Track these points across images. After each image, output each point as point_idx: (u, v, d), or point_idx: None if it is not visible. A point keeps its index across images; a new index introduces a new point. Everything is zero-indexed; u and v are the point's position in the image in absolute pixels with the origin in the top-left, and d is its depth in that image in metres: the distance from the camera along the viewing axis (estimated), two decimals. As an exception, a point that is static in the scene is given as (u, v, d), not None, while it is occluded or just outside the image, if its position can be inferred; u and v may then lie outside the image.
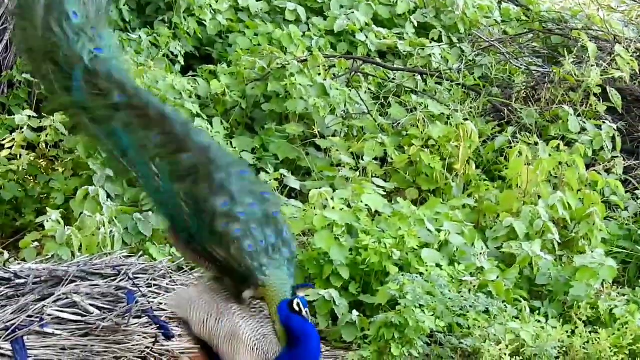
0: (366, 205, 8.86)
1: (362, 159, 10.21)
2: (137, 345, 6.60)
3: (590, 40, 11.23)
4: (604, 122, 10.54)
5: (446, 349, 7.60)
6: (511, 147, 9.74)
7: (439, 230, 8.72)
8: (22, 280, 6.68)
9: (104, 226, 7.95)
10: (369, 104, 11.25)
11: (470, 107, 11.45)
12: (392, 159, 10.35)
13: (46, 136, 8.91)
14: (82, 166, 8.60)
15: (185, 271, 7.36)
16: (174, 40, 10.96)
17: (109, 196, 8.28)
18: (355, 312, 7.75)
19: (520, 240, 8.78)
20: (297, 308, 5.66)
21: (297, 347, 5.76)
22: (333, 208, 8.53)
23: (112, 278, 6.89)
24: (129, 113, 6.01)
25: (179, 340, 6.70)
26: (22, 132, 8.88)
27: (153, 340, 6.63)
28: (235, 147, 9.48)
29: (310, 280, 7.91)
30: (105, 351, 6.49)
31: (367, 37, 12.59)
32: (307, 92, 9.77)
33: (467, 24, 13.85)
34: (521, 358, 7.58)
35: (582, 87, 10.77)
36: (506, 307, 8.03)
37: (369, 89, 11.67)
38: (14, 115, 9.13)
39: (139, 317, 6.63)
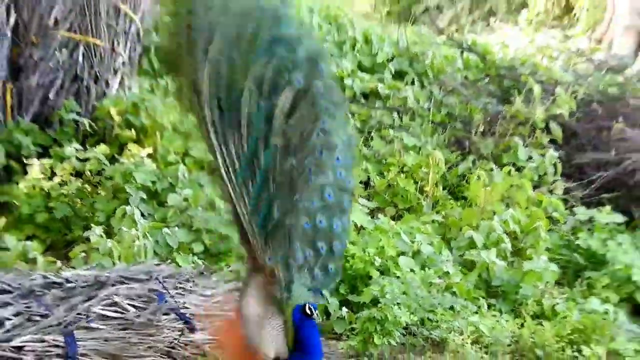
0: (353, 221, 8.90)
1: (350, 183, 10.27)
2: (166, 337, 6.63)
3: (535, 84, 11.30)
4: (547, 151, 10.60)
5: (419, 338, 7.64)
6: (471, 173, 9.82)
7: (412, 241, 8.79)
8: (72, 284, 6.72)
9: (139, 239, 7.97)
10: (355, 137, 11.31)
11: (438, 139, 11.54)
12: (374, 182, 10.42)
13: (90, 165, 8.94)
14: (120, 190, 8.64)
15: (206, 276, 7.40)
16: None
17: (142, 215, 8.33)
18: (344, 309, 7.79)
19: (479, 249, 8.85)
20: (308, 312, 5.54)
21: (304, 351, 5.69)
22: (326, 224, 8.56)
23: (146, 282, 6.92)
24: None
25: (201, 333, 6.75)
26: (71, 162, 8.91)
27: (179, 333, 6.67)
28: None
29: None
30: (140, 342, 6.52)
31: (353, 82, 12.64)
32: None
33: (435, 71, 13.96)
34: (480, 346, 7.63)
35: (529, 122, 10.85)
36: (467, 304, 8.10)
37: (355, 124, 11.71)
38: (64, 146, 9.15)
39: (168, 314, 6.67)
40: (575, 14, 23.82)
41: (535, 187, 10.01)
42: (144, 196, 8.63)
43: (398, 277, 8.18)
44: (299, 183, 5.64)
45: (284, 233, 5.63)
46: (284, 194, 5.61)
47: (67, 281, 6.78)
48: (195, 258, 8.13)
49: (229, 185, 5.68)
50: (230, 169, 5.68)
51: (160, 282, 6.95)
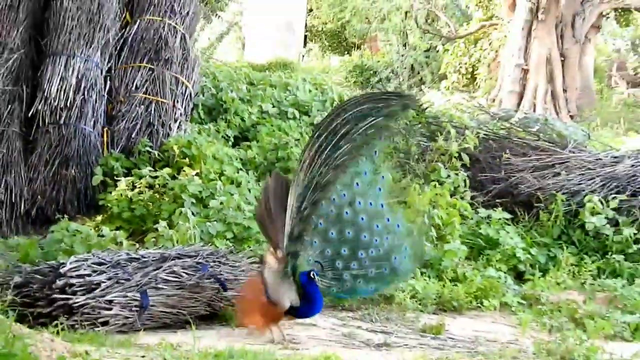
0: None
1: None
2: (208, 294, 6.60)
3: (452, 128, 11.27)
4: (459, 172, 10.56)
5: (376, 294, 7.59)
6: (410, 186, 9.71)
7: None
8: (146, 259, 6.71)
9: (190, 229, 7.95)
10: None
11: (388, 165, 11.48)
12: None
13: (159, 181, 8.90)
14: (178, 197, 8.59)
15: (235, 254, 7.37)
16: (228, 129, 10.95)
17: (192, 213, 8.29)
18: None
19: (416, 235, 8.80)
20: (312, 276, 5.92)
21: (309, 301, 6.02)
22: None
23: (194, 257, 6.89)
24: None
25: (232, 292, 6.70)
26: (146, 178, 8.87)
27: (217, 291, 6.64)
28: (261, 187, 9.48)
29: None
30: (190, 297, 6.48)
31: (332, 127, 12.63)
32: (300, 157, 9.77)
33: (385, 119, 13.91)
34: (415, 299, 7.59)
35: (448, 153, 10.80)
36: (407, 272, 8.05)
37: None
38: (141, 169, 9.11)
39: (209, 278, 6.64)
40: (477, 83, 23.94)
41: (452, 195, 9.92)
42: (194, 201, 8.59)
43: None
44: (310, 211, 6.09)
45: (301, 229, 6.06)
46: (309, 210, 6.07)
47: (143, 257, 6.74)
48: (228, 242, 8.08)
49: (298, 184, 6.09)
50: (305, 172, 6.10)
51: (204, 258, 6.90)
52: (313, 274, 5.95)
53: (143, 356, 5.20)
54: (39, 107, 9.35)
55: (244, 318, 6.30)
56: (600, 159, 10.99)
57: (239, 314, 6.40)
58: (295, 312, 6.14)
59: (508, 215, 9.76)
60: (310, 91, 12.60)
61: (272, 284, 6.05)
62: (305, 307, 6.10)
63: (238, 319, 6.42)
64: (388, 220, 6.44)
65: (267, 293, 6.04)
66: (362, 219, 6.35)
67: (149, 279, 6.39)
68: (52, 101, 9.33)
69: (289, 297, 6.03)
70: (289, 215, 6.06)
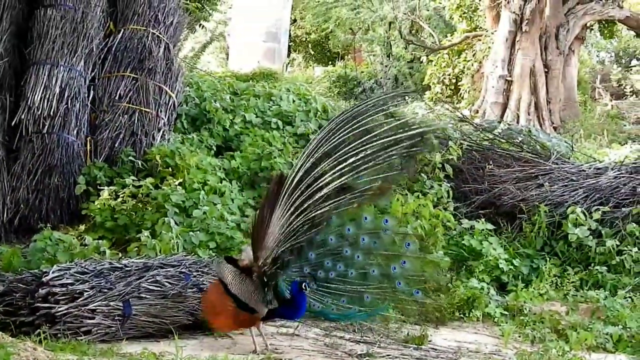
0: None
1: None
2: (191, 303, 6.63)
3: (435, 139, 11.31)
4: (443, 183, 10.61)
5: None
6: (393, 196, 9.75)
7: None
8: (128, 268, 6.73)
9: (173, 239, 7.97)
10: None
11: (371, 175, 11.52)
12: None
13: (142, 190, 8.90)
14: (161, 207, 8.59)
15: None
16: (211, 138, 10.95)
17: (176, 223, 8.31)
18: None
19: (399, 246, 8.83)
20: (303, 287, 5.99)
21: (294, 307, 6.12)
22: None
23: (177, 267, 6.90)
24: None
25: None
26: (129, 188, 8.87)
27: (199, 301, 6.65)
28: (244, 197, 9.51)
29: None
30: (173, 307, 6.52)
31: (316, 137, 12.61)
32: (283, 167, 9.76)
33: (369, 130, 13.91)
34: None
35: (431, 164, 10.85)
36: (391, 282, 8.06)
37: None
38: (124, 178, 9.11)
39: (192, 288, 6.66)
40: (461, 94, 24.04)
41: (435, 206, 9.97)
42: (177, 211, 8.60)
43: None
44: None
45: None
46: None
47: (125, 266, 6.75)
48: (211, 252, 8.11)
49: (287, 193, 6.06)
50: (295, 181, 6.06)
51: (187, 267, 6.93)
52: (305, 286, 6.00)
53: (126, 365, 5.23)
54: (22, 116, 9.33)
55: (211, 321, 6.37)
56: (583, 170, 11.10)
57: (206, 317, 6.46)
58: (272, 314, 6.23)
59: (491, 226, 9.81)
60: (294, 101, 12.62)
61: (245, 292, 6.10)
62: (287, 310, 6.18)
63: (208, 322, 6.49)
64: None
65: (241, 303, 6.10)
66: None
67: (132, 288, 6.42)
68: (36, 110, 9.33)
69: (264, 302, 6.10)
70: (275, 224, 6.08)
